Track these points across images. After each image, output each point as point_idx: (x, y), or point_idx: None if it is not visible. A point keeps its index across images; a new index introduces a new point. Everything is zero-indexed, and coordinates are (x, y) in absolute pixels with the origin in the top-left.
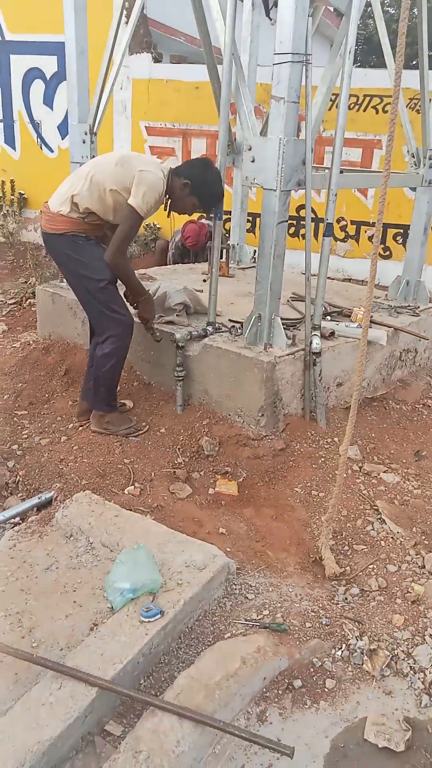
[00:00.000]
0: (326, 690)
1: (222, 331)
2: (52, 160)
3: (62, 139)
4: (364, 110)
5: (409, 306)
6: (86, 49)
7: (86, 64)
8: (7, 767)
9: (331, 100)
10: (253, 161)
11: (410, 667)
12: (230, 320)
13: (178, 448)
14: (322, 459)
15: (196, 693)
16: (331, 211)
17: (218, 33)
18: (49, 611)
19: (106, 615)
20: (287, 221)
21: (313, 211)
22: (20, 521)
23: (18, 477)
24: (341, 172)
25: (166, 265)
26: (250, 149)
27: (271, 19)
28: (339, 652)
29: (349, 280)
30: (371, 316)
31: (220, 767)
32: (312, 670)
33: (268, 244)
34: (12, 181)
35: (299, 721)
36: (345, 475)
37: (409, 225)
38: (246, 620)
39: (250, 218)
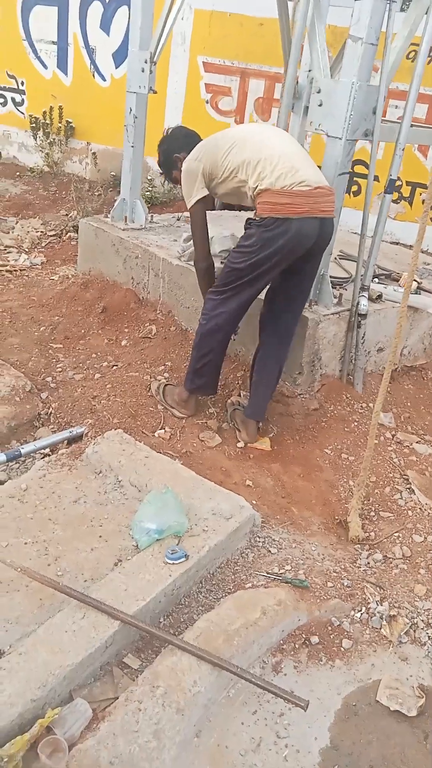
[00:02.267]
0: (342, 649)
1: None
2: (104, 89)
3: (116, 68)
4: None
5: None
6: None
7: None
8: (30, 686)
9: None
10: (320, 105)
11: (429, 636)
12: None
13: (210, 398)
14: (355, 423)
15: (215, 637)
16: (397, 166)
17: None
18: (74, 543)
19: (130, 552)
20: (348, 173)
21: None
22: (50, 453)
23: (50, 409)
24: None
25: (212, 210)
26: (319, 92)
27: None
28: (358, 615)
29: (398, 243)
30: (420, 283)
31: (234, 711)
32: (330, 628)
33: None
34: (60, 108)
35: (313, 676)
36: (377, 442)
37: None
38: (268, 573)
39: None
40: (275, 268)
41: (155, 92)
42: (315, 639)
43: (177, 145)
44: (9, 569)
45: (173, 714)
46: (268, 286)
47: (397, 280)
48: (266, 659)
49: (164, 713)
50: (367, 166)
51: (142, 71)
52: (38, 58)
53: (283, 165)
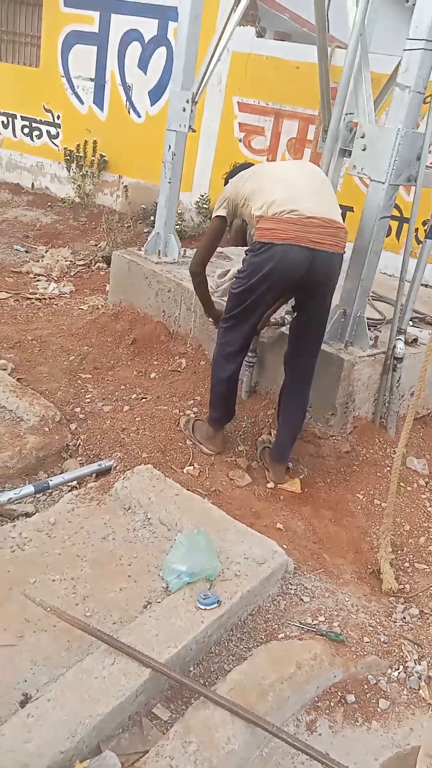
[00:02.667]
0: (379, 710)
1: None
2: (138, 125)
3: (151, 105)
4: None
5: None
6: (200, 14)
7: (198, 30)
8: (59, 736)
9: None
10: (364, 149)
11: None
12: None
13: (240, 436)
14: (388, 468)
15: (249, 691)
16: None
17: (347, 12)
18: (103, 582)
19: (160, 594)
20: (390, 217)
21: (399, 209)
22: (77, 485)
23: (79, 441)
24: None
25: (244, 246)
26: (363, 137)
27: (407, 1)
28: (396, 673)
29: (428, 286)
30: None
31: None
32: (366, 686)
33: (366, 238)
34: (95, 142)
35: (349, 738)
36: (410, 489)
37: None
38: (301, 623)
39: None
40: (267, 295)
41: (194, 131)
42: (351, 698)
43: (232, 174)
44: (37, 607)
45: None
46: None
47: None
48: (300, 717)
49: None
50: (398, 208)
51: (183, 111)
52: (75, 93)
53: (282, 193)
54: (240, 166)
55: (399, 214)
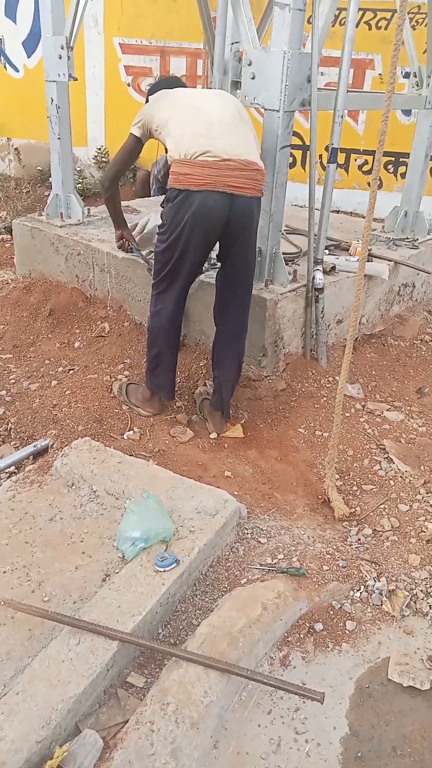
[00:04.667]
0: (347, 632)
1: (218, 267)
2: (18, 81)
3: (28, 57)
4: (356, 26)
5: (407, 238)
6: None
7: None
8: (33, 727)
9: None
10: (253, 78)
11: (430, 606)
12: None
13: (176, 392)
14: (324, 398)
15: (219, 641)
16: (338, 134)
17: None
18: (57, 563)
19: (117, 565)
20: (290, 146)
21: (300, 137)
22: (16, 471)
23: (9, 425)
24: None
25: (149, 197)
26: (250, 64)
27: None
28: (358, 594)
29: (338, 211)
30: (370, 250)
31: (248, 714)
32: (332, 612)
33: (270, 171)
34: None
35: (322, 664)
36: (348, 414)
37: (401, 153)
38: (261, 565)
39: None
40: (191, 250)
41: (75, 79)
42: (319, 626)
43: (152, 90)
44: None
45: (188, 729)
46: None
47: (347, 250)
48: (273, 655)
49: (179, 730)
50: (300, 137)
51: (60, 58)
52: None
53: (196, 130)
54: (164, 80)
55: (300, 143)
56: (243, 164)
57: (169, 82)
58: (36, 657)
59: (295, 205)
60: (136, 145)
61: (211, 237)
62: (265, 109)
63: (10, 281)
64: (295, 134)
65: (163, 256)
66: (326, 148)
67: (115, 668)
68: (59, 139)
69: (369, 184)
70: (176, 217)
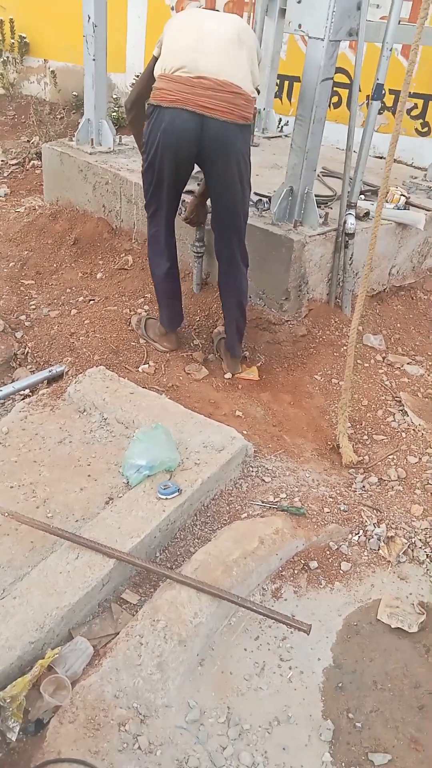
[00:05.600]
0: (341, 572)
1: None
2: None
3: None
4: None
5: None
6: None
7: None
8: (27, 629)
9: None
10: (299, 2)
11: (427, 555)
12: (256, 193)
13: (195, 330)
14: (345, 347)
15: (213, 569)
16: (384, 69)
17: None
18: (63, 484)
19: (121, 490)
20: (332, 79)
21: (347, 74)
22: (30, 394)
23: (27, 349)
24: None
25: None
26: None
27: None
28: (356, 538)
29: (382, 157)
30: (409, 198)
31: (236, 638)
32: (328, 553)
33: (309, 104)
34: (12, 21)
35: (313, 600)
36: (367, 365)
37: None
38: (263, 502)
39: (279, 80)
40: (165, 170)
41: None
42: (314, 564)
43: None
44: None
45: (175, 646)
46: None
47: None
48: (266, 586)
49: (166, 645)
50: (348, 74)
51: None
52: None
53: (180, 45)
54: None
55: (348, 80)
56: (218, 84)
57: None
58: (36, 567)
59: (338, 148)
60: (153, 63)
61: (183, 158)
62: (309, 37)
63: (37, 207)
64: (342, 71)
65: (145, 176)
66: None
67: (110, 584)
68: (94, 60)
69: (417, 130)
70: (150, 135)
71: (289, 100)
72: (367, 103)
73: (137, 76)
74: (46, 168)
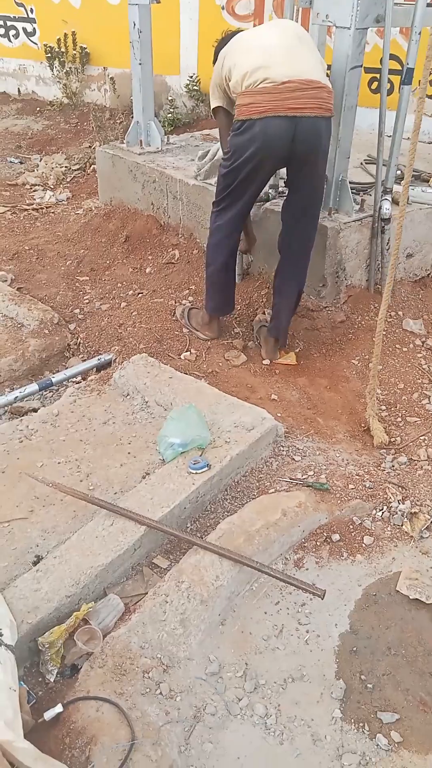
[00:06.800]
0: (363, 545)
1: (284, 195)
2: (114, 7)
3: None
4: None
5: None
6: None
7: None
8: (65, 584)
9: None
10: None
11: None
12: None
13: (236, 318)
14: (384, 333)
15: (236, 537)
16: (414, 53)
17: None
18: (105, 460)
19: (157, 466)
20: (362, 66)
21: (397, 59)
22: (81, 380)
23: (79, 339)
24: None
25: None
26: None
27: None
28: (380, 513)
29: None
30: None
31: (256, 602)
32: (351, 527)
33: (338, 93)
34: (74, 34)
35: (334, 570)
36: (405, 349)
37: None
38: (291, 478)
39: None
40: (255, 176)
41: (158, 1)
42: (336, 537)
43: (221, 45)
44: (45, 487)
45: (197, 605)
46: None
47: (427, 181)
48: (288, 556)
49: (189, 604)
50: (400, 61)
51: None
52: None
53: (253, 61)
54: (226, 36)
55: (399, 67)
56: (304, 83)
57: (229, 37)
58: (75, 533)
59: (389, 136)
60: (225, 115)
61: (273, 164)
62: (336, 27)
63: (94, 209)
64: (395, 58)
65: (224, 179)
66: None
67: (142, 549)
68: (140, 64)
69: None
70: (239, 146)
71: None
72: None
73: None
74: (100, 170)
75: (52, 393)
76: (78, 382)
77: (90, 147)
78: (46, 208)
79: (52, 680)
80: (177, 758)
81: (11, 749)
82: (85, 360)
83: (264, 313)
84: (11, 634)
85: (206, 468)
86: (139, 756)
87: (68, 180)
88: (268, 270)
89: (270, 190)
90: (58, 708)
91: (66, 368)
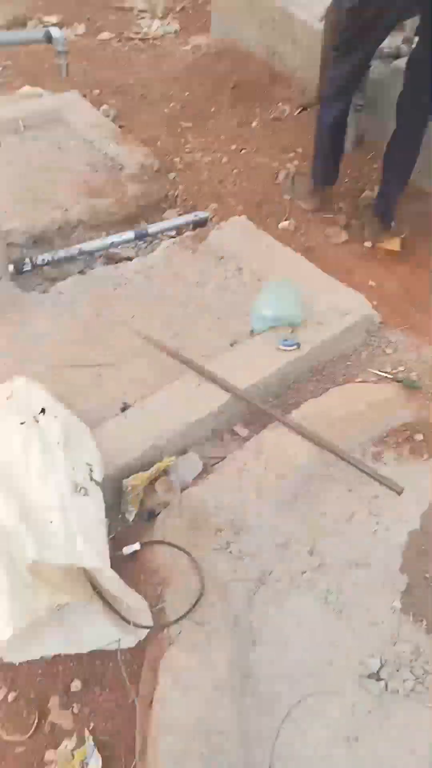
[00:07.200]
0: None
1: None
2: None
3: None
4: None
5: None
6: None
7: None
8: (150, 435)
9: None
10: None
11: None
12: None
13: (341, 192)
14: None
15: (318, 420)
16: None
17: None
18: (194, 322)
19: (245, 337)
20: None
21: None
22: (175, 235)
23: (177, 192)
24: None
25: None
26: None
27: None
28: None
29: None
30: None
31: (331, 486)
32: None
33: None
34: None
35: (413, 468)
36: None
37: None
38: (380, 371)
39: None
40: (381, 17)
41: None
42: (419, 437)
43: None
44: (134, 338)
45: (273, 478)
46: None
47: None
48: (367, 448)
49: (265, 475)
50: None
51: None
52: None
53: None
54: None
55: None
56: None
57: None
58: (163, 388)
59: None
60: None
61: (405, 2)
62: None
63: (203, 46)
64: None
65: (347, 17)
66: None
67: (224, 415)
68: None
69: None
70: None
71: None
72: None
73: None
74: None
75: (146, 244)
76: (172, 236)
77: None
78: (153, 39)
79: (130, 520)
80: (240, 613)
81: (99, 576)
82: (181, 214)
83: (373, 190)
84: (99, 471)
85: (295, 347)
86: (206, 604)
87: (177, 10)
88: (383, 140)
89: (403, 45)
90: (136, 546)
91: (162, 220)
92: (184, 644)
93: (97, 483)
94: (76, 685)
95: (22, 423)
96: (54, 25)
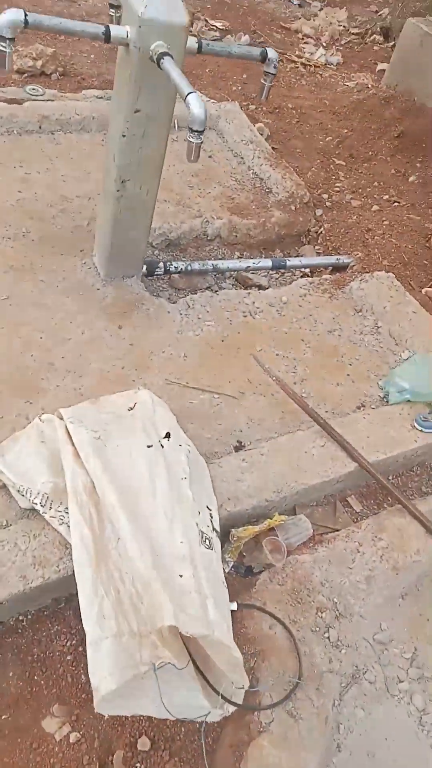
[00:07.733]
0: None
1: None
2: None
3: None
4: None
5: None
6: None
7: None
8: (267, 487)
9: None
10: None
11: None
12: None
13: None
14: None
15: None
16: None
17: None
18: (321, 371)
19: (374, 402)
20: None
21: None
22: (309, 274)
23: (321, 229)
24: None
25: None
26: None
27: None
28: None
29: None
30: None
31: None
32: None
33: None
34: None
35: None
36: None
37: None
38: None
39: None
40: None
41: None
42: None
43: None
44: (258, 373)
45: (388, 569)
46: None
47: None
48: None
49: (380, 564)
50: None
51: None
52: None
53: None
54: None
55: None
56: None
57: None
58: (283, 436)
59: None
60: None
61: None
62: None
63: (370, 86)
64: None
65: None
66: None
67: (342, 484)
68: None
69: None
70: None
71: None
72: None
73: None
74: (401, 46)
75: (279, 276)
76: (307, 275)
77: (377, 13)
78: (314, 66)
79: (226, 571)
80: (330, 712)
81: (208, 644)
82: (320, 253)
83: None
84: (217, 519)
85: None
86: (303, 696)
87: (342, 43)
88: None
89: None
90: (233, 605)
91: (299, 255)
92: (276, 737)
93: (217, 533)
94: (143, 743)
95: (149, 446)
96: (220, 30)
